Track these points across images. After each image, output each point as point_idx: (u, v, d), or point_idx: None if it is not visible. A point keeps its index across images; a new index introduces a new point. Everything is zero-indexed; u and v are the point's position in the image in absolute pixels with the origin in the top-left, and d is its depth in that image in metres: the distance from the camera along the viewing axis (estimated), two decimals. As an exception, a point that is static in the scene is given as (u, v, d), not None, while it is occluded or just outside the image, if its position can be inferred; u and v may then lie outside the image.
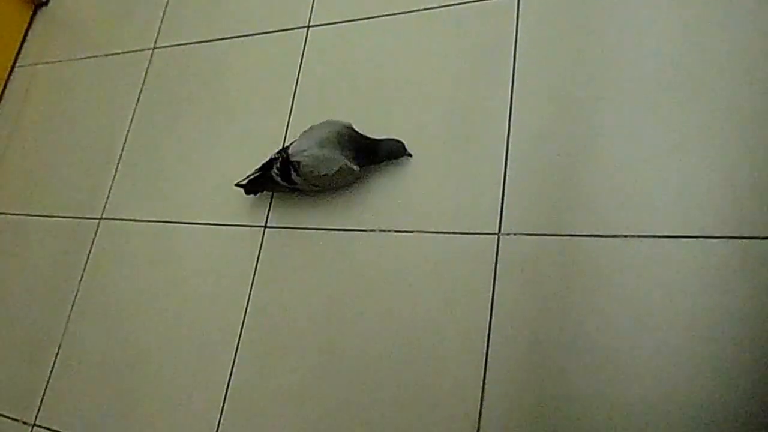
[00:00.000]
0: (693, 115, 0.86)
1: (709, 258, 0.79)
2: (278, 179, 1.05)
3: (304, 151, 1.02)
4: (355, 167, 1.00)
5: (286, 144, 1.10)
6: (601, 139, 0.91)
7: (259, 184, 1.10)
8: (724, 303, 0.77)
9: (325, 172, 1.01)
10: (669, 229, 0.82)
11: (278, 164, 1.05)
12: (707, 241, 0.80)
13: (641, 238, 0.83)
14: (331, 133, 1.02)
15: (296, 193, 1.08)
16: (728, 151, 0.83)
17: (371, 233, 1.01)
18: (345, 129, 1.02)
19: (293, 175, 1.03)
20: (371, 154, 1.02)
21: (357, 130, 1.03)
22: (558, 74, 0.97)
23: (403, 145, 1.01)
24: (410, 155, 1.02)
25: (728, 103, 0.85)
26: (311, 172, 1.01)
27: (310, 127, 1.06)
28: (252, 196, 1.13)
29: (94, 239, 1.27)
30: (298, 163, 1.02)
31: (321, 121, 1.06)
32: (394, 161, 1.03)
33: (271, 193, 1.12)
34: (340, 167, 1.00)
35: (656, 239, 0.82)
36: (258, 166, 1.09)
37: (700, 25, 0.90)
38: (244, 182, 1.11)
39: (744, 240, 0.78)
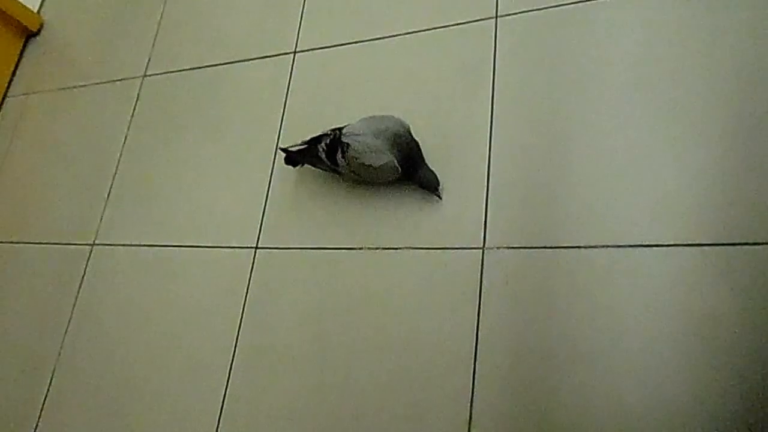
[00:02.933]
0: (662, 127, 0.94)
1: (683, 265, 0.86)
2: (323, 155, 1.07)
3: (358, 135, 1.04)
4: (400, 168, 1.02)
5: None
6: (577, 153, 0.98)
7: (302, 155, 1.12)
8: (699, 308, 0.83)
9: (370, 162, 1.02)
10: (644, 238, 0.89)
11: (328, 141, 1.06)
12: (680, 248, 0.86)
13: (618, 248, 0.90)
14: (389, 129, 1.03)
15: (334, 174, 1.10)
16: (697, 162, 0.90)
17: (360, 251, 1.07)
18: (403, 130, 1.03)
19: (338, 156, 1.05)
20: (411, 169, 1.03)
21: (413, 136, 1.04)
22: (535, 93, 1.04)
23: (437, 182, 1.02)
24: (440, 198, 1.03)
25: (695, 115, 0.92)
26: (357, 158, 1.03)
27: (372, 116, 1.07)
28: (291, 167, 1.15)
29: (86, 265, 1.33)
30: (348, 145, 1.03)
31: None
32: (421, 191, 1.05)
33: (306, 166, 1.14)
34: (387, 163, 1.01)
35: (632, 248, 0.89)
36: (306, 139, 1.11)
37: (666, 42, 0.98)
38: (291, 149, 1.11)
39: (715, 247, 0.85)
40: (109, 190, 1.39)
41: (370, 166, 1.03)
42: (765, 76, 0.90)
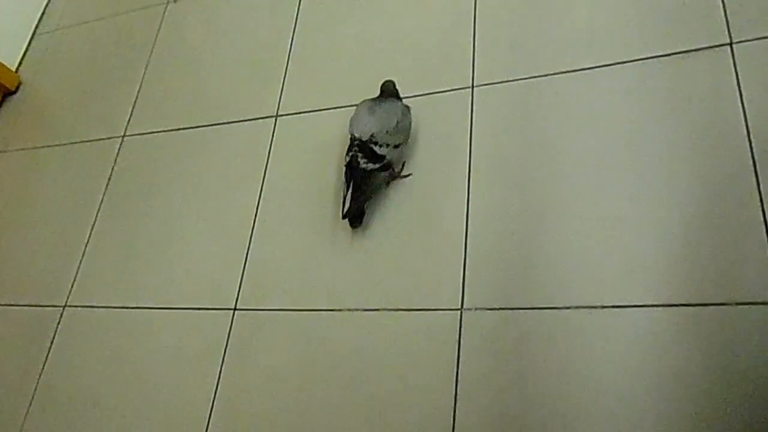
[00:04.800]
0: (632, 193, 1.01)
1: (654, 325, 0.91)
2: (369, 165, 1.12)
3: (365, 125, 1.14)
4: (407, 106, 1.18)
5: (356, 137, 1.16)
6: (552, 217, 1.04)
7: (359, 200, 1.12)
8: (670, 368, 0.88)
9: (394, 120, 1.14)
10: (617, 299, 0.95)
11: (361, 154, 1.12)
12: (651, 309, 0.92)
13: (592, 309, 0.95)
14: (365, 104, 1.18)
15: (387, 175, 1.16)
16: (665, 226, 0.97)
17: (338, 313, 1.10)
18: (372, 98, 1.19)
19: (378, 150, 1.12)
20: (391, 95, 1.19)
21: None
22: (511, 159, 1.12)
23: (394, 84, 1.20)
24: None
25: (661, 180, 1.00)
26: (387, 131, 1.13)
27: (352, 118, 1.18)
28: (356, 227, 1.16)
29: (56, 328, 1.33)
30: (373, 135, 1.13)
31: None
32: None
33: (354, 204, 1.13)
34: (402, 109, 1.16)
35: (606, 309, 0.94)
36: (345, 188, 1.14)
37: (632, 111, 1.07)
38: (345, 211, 1.13)
39: (683, 307, 0.91)
40: (84, 251, 1.41)
41: (397, 121, 1.14)
42: (724, 140, 0.99)
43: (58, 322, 1.34)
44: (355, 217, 1.15)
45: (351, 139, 1.16)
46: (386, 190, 1.18)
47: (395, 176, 1.17)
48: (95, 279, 1.37)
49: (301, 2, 1.51)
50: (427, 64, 1.28)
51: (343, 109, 1.30)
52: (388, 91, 1.20)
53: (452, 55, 1.26)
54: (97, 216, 1.45)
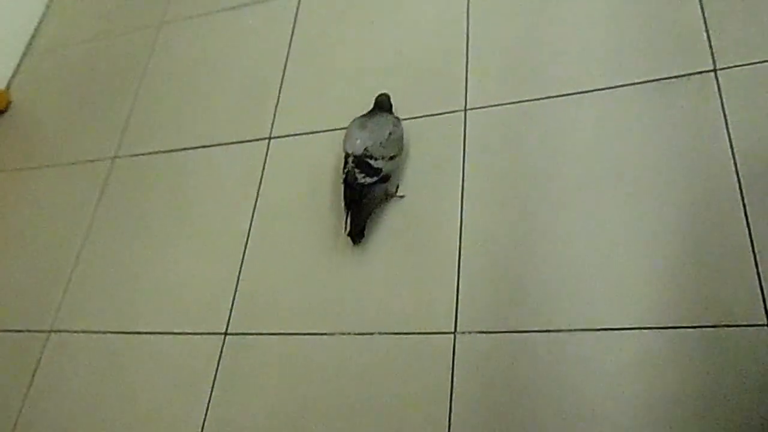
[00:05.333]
0: (622, 216, 1.03)
1: (645, 347, 0.93)
2: (367, 179, 1.13)
3: (357, 140, 1.17)
4: (398, 118, 1.21)
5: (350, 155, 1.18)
6: (544, 241, 1.06)
7: (359, 216, 1.14)
8: (661, 390, 0.89)
9: (386, 133, 1.16)
10: (609, 322, 0.96)
11: (357, 170, 1.14)
12: (643, 331, 0.94)
13: (585, 332, 0.96)
14: (356, 122, 1.21)
15: (386, 188, 1.17)
16: (655, 248, 0.99)
17: (331, 337, 1.11)
18: (363, 114, 1.22)
19: (373, 164, 1.14)
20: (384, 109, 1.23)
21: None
22: (504, 180, 1.14)
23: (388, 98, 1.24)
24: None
25: (650, 203, 1.02)
26: (380, 144, 1.16)
27: (345, 135, 1.21)
28: (358, 243, 1.17)
29: (41, 353, 1.31)
30: (367, 149, 1.15)
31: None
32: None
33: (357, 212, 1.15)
34: (393, 121, 1.19)
35: (597, 332, 0.96)
36: (343, 206, 1.16)
37: (619, 136, 1.10)
38: (349, 229, 1.15)
39: (673, 330, 0.92)
40: (71, 274, 1.40)
41: (390, 133, 1.17)
42: (710, 164, 1.02)
43: (43, 348, 1.32)
44: (358, 233, 1.16)
45: (345, 156, 1.18)
46: (380, 213, 1.19)
47: (390, 195, 1.19)
48: (82, 303, 1.36)
49: (296, 25, 1.53)
50: (421, 87, 1.31)
51: (336, 131, 1.31)
52: (380, 105, 1.23)
53: (445, 78, 1.28)
54: (85, 239, 1.44)
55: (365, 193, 1.14)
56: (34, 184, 1.61)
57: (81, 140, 1.63)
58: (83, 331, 1.31)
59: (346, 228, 1.15)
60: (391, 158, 1.17)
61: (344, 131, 1.24)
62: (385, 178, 1.17)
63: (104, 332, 1.29)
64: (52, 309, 1.37)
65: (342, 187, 1.17)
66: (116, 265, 1.38)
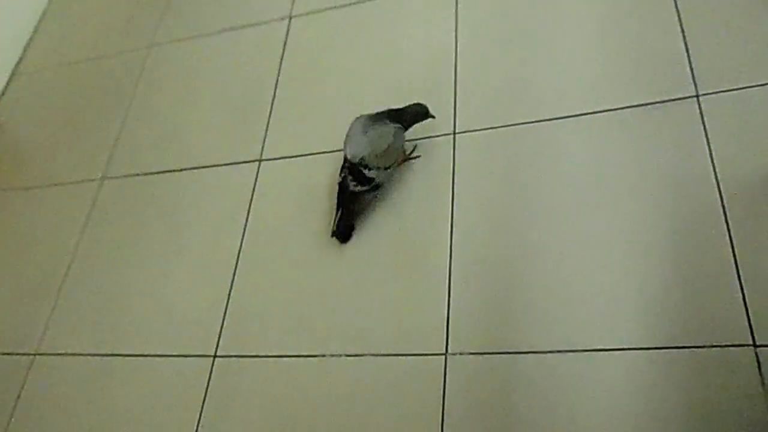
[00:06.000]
0: (610, 239, 1.06)
1: (633, 368, 0.95)
2: (359, 188, 1.18)
3: (356, 147, 1.19)
4: (400, 128, 1.18)
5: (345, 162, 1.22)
6: (533, 263, 1.08)
7: (348, 219, 1.21)
8: (650, 410, 0.91)
9: (385, 144, 1.17)
10: (598, 343, 0.98)
11: (350, 177, 1.19)
12: (631, 352, 0.96)
13: (574, 353, 0.98)
14: (359, 123, 1.21)
15: (377, 195, 1.22)
16: (643, 269, 1.02)
17: (322, 359, 1.11)
18: (369, 115, 1.21)
19: (367, 173, 1.17)
20: (400, 120, 1.19)
21: (377, 111, 1.22)
22: (493, 202, 1.17)
23: (427, 108, 1.21)
24: (433, 117, 1.20)
25: (637, 227, 1.05)
26: (376, 155, 1.17)
27: (346, 136, 1.22)
28: (345, 243, 1.22)
29: (26, 377, 1.30)
30: (363, 158, 1.17)
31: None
32: (421, 123, 1.21)
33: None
34: (394, 132, 1.18)
35: (587, 353, 0.98)
36: (335, 207, 1.21)
37: (608, 159, 1.13)
38: (334, 228, 1.20)
39: (662, 350, 0.94)
40: (57, 296, 1.40)
41: (388, 146, 1.18)
42: (695, 187, 1.05)
43: (28, 371, 1.31)
44: (344, 234, 1.21)
45: (344, 158, 1.22)
46: (371, 221, 1.21)
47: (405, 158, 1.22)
48: (68, 325, 1.35)
49: (286, 48, 1.57)
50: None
51: (326, 154, 1.34)
52: (394, 113, 1.22)
53: (434, 102, 1.31)
54: (72, 260, 1.44)
55: (353, 199, 1.20)
56: (21, 204, 1.61)
57: (69, 161, 1.64)
58: (69, 354, 1.30)
59: (333, 226, 1.20)
60: (386, 168, 1.20)
61: (335, 154, 1.27)
62: (377, 187, 1.20)
63: (90, 355, 1.28)
64: (38, 331, 1.36)
65: (337, 187, 1.22)
66: (103, 287, 1.38)
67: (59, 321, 1.36)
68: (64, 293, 1.40)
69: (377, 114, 1.23)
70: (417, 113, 1.22)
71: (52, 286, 1.42)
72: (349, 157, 1.20)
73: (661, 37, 1.21)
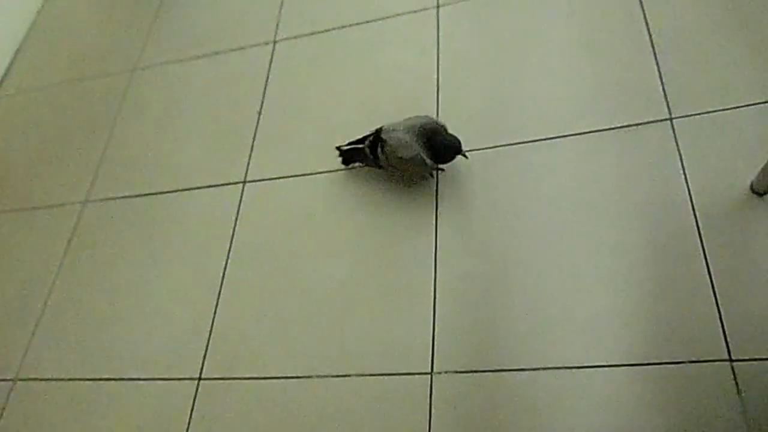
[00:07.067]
0: (589, 256, 1.10)
1: (615, 384, 0.98)
2: (367, 151, 1.27)
3: (393, 131, 1.23)
4: (428, 161, 1.20)
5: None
6: (517, 281, 1.12)
7: (352, 154, 1.32)
8: (634, 426, 0.94)
9: (401, 155, 1.21)
10: (581, 360, 1.02)
11: (371, 138, 1.27)
12: (612, 369, 0.99)
13: (558, 370, 1.02)
14: (417, 124, 1.22)
15: (381, 169, 1.30)
16: (621, 288, 1.06)
17: (308, 379, 1.13)
18: (432, 124, 1.22)
19: (379, 152, 1.25)
20: (441, 157, 1.21)
21: (443, 129, 1.21)
22: (475, 223, 1.21)
23: (459, 144, 1.19)
24: (466, 157, 1.21)
25: (616, 245, 1.10)
26: (393, 152, 1.22)
27: (410, 117, 1.25)
28: (345, 166, 1.35)
29: (6, 402, 1.30)
30: (385, 141, 1.23)
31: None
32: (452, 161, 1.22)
33: (360, 164, 1.34)
34: (415, 156, 1.20)
35: (570, 370, 1.01)
36: (353, 139, 1.31)
37: (587, 180, 1.18)
38: (344, 147, 1.32)
39: (641, 366, 0.98)
40: (38, 320, 1.40)
41: (402, 158, 1.22)
42: (669, 207, 1.10)
43: (8, 397, 1.31)
44: (345, 159, 1.35)
45: (382, 127, 1.27)
46: (356, 254, 1.24)
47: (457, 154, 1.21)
48: (50, 350, 1.35)
49: (270, 71, 1.61)
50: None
51: (311, 175, 1.37)
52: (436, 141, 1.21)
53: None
54: (53, 284, 1.45)
55: (363, 156, 1.31)
56: (2, 227, 1.61)
57: (52, 184, 1.65)
58: (51, 379, 1.30)
59: (344, 145, 1.35)
60: (399, 159, 1.23)
61: (320, 176, 1.33)
62: (377, 165, 1.29)
63: (73, 379, 1.28)
64: (18, 356, 1.36)
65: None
66: (86, 311, 1.38)
67: (40, 345, 1.36)
68: (45, 317, 1.40)
69: (432, 132, 1.21)
70: (451, 152, 1.20)
71: (33, 310, 1.42)
72: (383, 128, 1.26)
73: (636, 62, 1.28)
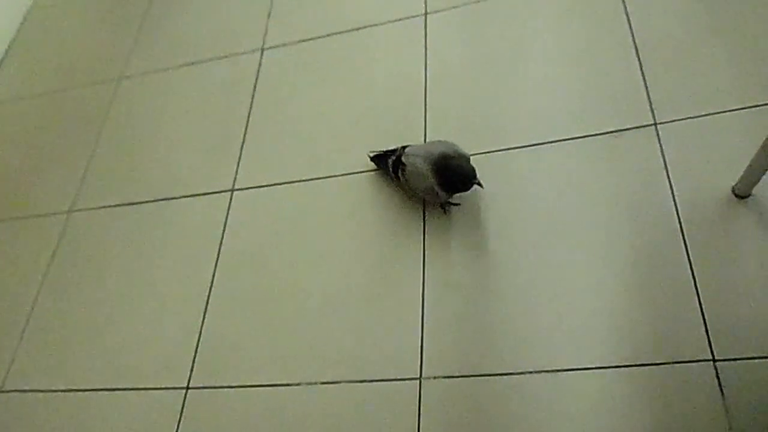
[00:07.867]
0: (577, 261, 1.13)
1: (605, 386, 1.00)
2: (390, 169, 1.30)
3: (414, 156, 1.25)
4: (440, 192, 1.21)
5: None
6: (504, 286, 1.14)
7: (381, 159, 1.34)
8: (623, 427, 0.96)
9: (415, 185, 1.25)
10: (570, 363, 1.03)
11: (394, 157, 1.29)
12: (600, 371, 1.01)
13: (547, 373, 1.04)
14: (437, 152, 1.21)
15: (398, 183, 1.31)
16: (609, 291, 1.08)
17: (298, 387, 1.14)
18: (451, 153, 1.20)
19: (399, 173, 1.27)
20: (456, 187, 1.21)
21: (462, 158, 1.19)
22: (464, 229, 1.23)
23: (473, 174, 1.17)
24: (481, 186, 1.19)
25: (604, 249, 1.12)
26: (407, 180, 1.26)
27: (438, 141, 1.26)
28: (375, 168, 1.36)
29: (-10, 415, 1.30)
30: (404, 166, 1.25)
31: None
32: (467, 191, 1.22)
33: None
34: (428, 187, 1.21)
35: (560, 373, 1.03)
36: (390, 148, 1.32)
37: (576, 186, 1.21)
38: (375, 153, 1.35)
39: (629, 368, 1.00)
40: (23, 331, 1.40)
41: (417, 187, 1.25)
42: (654, 211, 1.13)
43: (-8, 409, 1.31)
44: (376, 163, 1.36)
45: (405, 147, 1.29)
46: (344, 261, 1.26)
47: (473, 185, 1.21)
48: (35, 361, 1.35)
49: (258, 79, 1.63)
50: (381, 141, 1.39)
51: (299, 183, 1.39)
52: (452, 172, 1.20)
53: (405, 131, 1.38)
54: (38, 294, 1.45)
55: (387, 169, 1.32)
56: (-18, 239, 1.62)
57: (37, 193, 1.65)
58: (37, 390, 1.30)
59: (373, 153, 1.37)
60: (415, 187, 1.26)
61: (310, 182, 1.35)
62: (395, 177, 1.30)
63: (59, 391, 1.29)
64: (3, 367, 1.36)
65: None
66: (72, 321, 1.38)
67: (25, 357, 1.36)
68: (30, 327, 1.40)
69: (448, 163, 1.19)
70: (464, 184, 1.19)
71: (18, 321, 1.42)
72: (407, 150, 1.27)
73: (621, 69, 1.31)
